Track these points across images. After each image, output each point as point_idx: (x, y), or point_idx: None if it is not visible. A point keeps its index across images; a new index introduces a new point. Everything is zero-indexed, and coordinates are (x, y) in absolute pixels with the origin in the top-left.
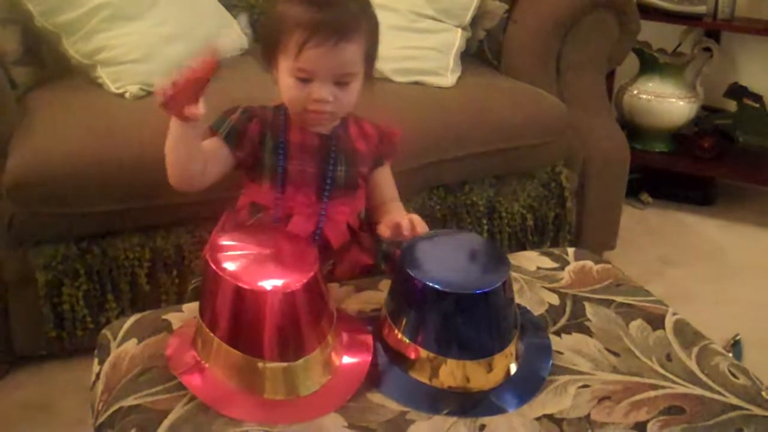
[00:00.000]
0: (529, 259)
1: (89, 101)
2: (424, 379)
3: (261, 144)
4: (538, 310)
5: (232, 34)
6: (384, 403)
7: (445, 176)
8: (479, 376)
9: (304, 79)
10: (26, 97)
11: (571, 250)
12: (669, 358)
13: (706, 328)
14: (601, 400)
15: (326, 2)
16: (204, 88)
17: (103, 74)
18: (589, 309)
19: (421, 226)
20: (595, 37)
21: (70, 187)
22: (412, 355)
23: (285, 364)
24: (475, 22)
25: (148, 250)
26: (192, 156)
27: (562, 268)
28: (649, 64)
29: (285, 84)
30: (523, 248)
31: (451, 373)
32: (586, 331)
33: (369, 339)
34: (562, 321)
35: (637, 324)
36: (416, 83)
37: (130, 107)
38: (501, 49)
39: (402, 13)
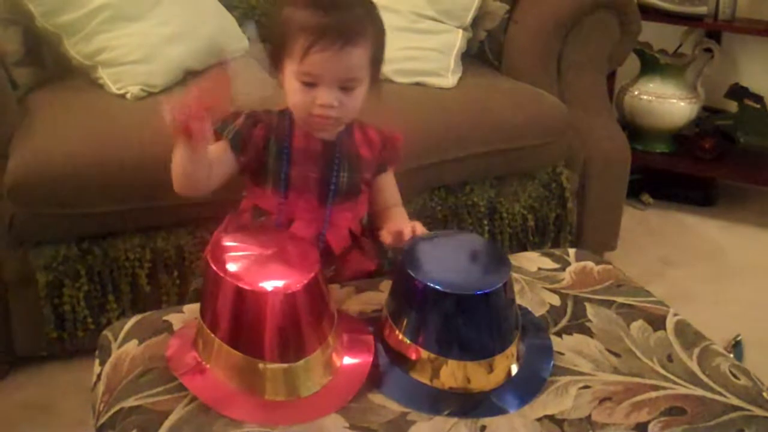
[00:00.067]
0: (530, 260)
1: (90, 102)
2: (425, 380)
3: (265, 149)
4: (539, 311)
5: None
6: (385, 404)
7: (446, 177)
8: (480, 376)
9: (310, 83)
10: (27, 98)
11: (572, 251)
12: (670, 358)
13: (707, 329)
14: (602, 400)
15: (332, 6)
16: (216, 110)
17: (104, 75)
18: (590, 310)
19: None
20: (596, 37)
21: (71, 187)
22: (413, 356)
23: (286, 365)
24: (476, 22)
25: (149, 250)
26: (198, 167)
27: (563, 269)
28: (650, 64)
29: (290, 88)
30: (524, 249)
31: (452, 373)
32: (587, 331)
33: (370, 340)
34: (563, 322)
35: (638, 325)
36: (417, 84)
37: (131, 108)
38: (502, 50)
39: (403, 13)
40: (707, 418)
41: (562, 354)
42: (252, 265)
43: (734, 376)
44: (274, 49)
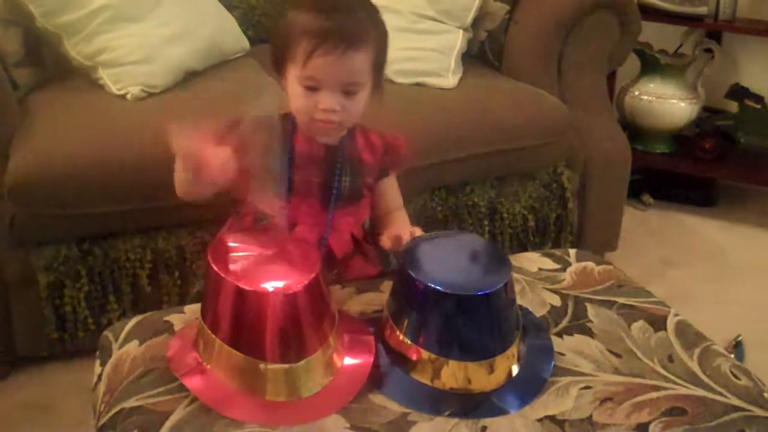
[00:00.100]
0: (531, 260)
1: (90, 103)
2: (426, 381)
3: (268, 154)
4: (539, 312)
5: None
6: (386, 405)
7: (446, 177)
8: (481, 377)
9: (312, 87)
10: (27, 99)
11: (572, 251)
12: (671, 359)
13: (708, 329)
14: (603, 401)
15: (334, 10)
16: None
17: (105, 75)
18: (591, 310)
19: None
20: (596, 37)
21: (71, 188)
22: (414, 357)
23: (287, 366)
24: (476, 23)
25: (150, 251)
26: (199, 182)
27: (563, 269)
28: (651, 65)
29: (293, 92)
30: (525, 249)
31: (453, 374)
32: (587, 332)
33: (371, 340)
34: (564, 322)
35: (638, 325)
36: (417, 84)
37: (132, 109)
38: (502, 50)
39: (403, 14)
40: (708, 419)
41: (563, 354)
42: (253, 266)
43: (735, 376)
44: (277, 53)
